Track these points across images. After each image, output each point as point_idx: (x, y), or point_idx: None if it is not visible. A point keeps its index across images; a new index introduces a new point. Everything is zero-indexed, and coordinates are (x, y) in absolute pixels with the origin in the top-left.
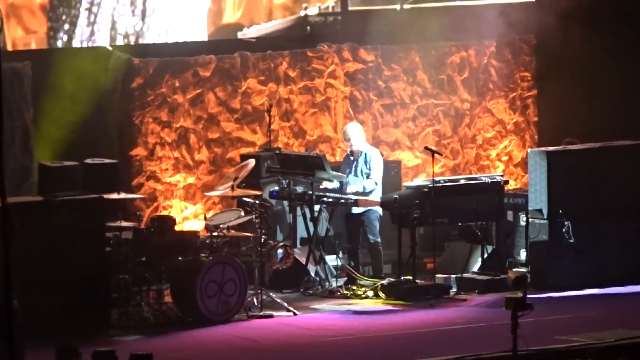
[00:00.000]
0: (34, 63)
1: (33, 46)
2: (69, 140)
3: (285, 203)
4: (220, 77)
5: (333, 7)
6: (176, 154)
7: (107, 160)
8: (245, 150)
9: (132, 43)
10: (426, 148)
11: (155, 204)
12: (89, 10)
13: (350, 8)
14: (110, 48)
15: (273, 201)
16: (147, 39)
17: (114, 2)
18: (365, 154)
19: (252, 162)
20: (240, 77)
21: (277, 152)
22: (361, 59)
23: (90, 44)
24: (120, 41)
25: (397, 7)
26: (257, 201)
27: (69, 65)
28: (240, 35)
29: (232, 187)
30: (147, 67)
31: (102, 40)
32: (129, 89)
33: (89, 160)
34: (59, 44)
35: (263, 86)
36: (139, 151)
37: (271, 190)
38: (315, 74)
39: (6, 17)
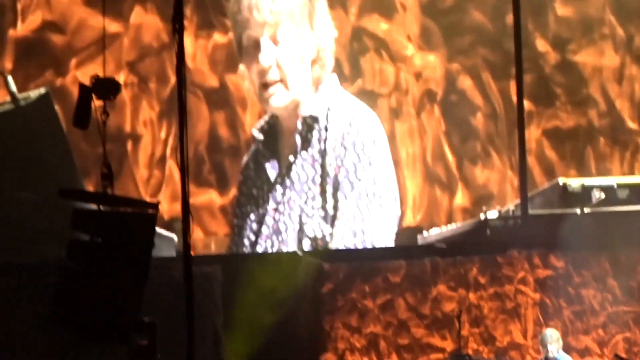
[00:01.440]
0: (223, 267)
1: (212, 248)
2: (258, 344)
3: None
4: (410, 283)
5: (513, 211)
6: None
7: None
8: (435, 357)
9: (319, 247)
10: (616, 356)
11: None
12: (276, 210)
13: (530, 212)
14: (300, 253)
15: None
16: (333, 243)
17: (302, 203)
18: None
19: None
20: (430, 283)
21: (467, 358)
22: (551, 265)
23: (276, 245)
24: (306, 244)
25: (577, 210)
26: None
27: (259, 270)
28: (420, 238)
29: None
30: (337, 273)
31: (288, 240)
32: (319, 294)
33: None
34: (246, 242)
35: (453, 292)
36: (329, 356)
37: None
38: (505, 280)
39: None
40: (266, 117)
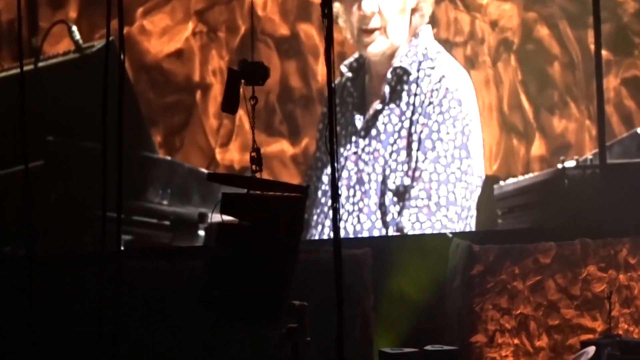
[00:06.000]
0: (373, 250)
1: None
2: (409, 327)
3: None
4: (560, 264)
5: (591, 160)
6: (516, 341)
7: (446, 347)
8: (585, 337)
9: (400, 202)
10: None
11: None
12: (358, 156)
13: (608, 161)
14: (450, 235)
15: None
16: (409, 204)
17: (387, 155)
18: None
19: (592, 350)
20: (580, 264)
21: (618, 339)
22: None
23: (358, 195)
24: (389, 197)
25: None
26: None
27: (409, 252)
28: (496, 187)
29: None
30: (487, 255)
31: (370, 192)
32: (469, 276)
33: (428, 347)
34: (325, 178)
35: (603, 273)
36: (479, 338)
37: None
38: None
39: None
40: (356, 55)
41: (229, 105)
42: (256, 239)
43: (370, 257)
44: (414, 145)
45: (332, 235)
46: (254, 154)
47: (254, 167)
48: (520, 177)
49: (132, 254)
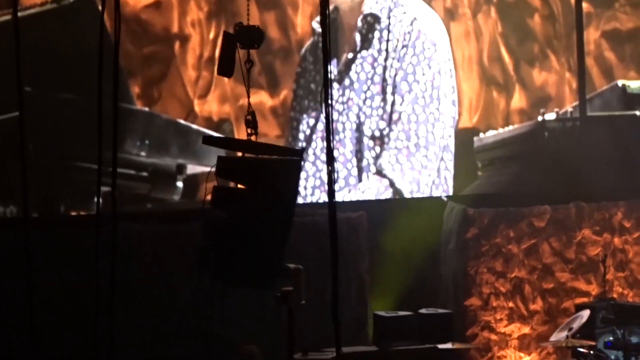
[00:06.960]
0: (368, 213)
1: None
2: (403, 290)
3: (620, 353)
4: (555, 228)
5: (571, 113)
6: (511, 304)
7: (441, 311)
8: (579, 301)
9: (378, 147)
10: None
11: (489, 355)
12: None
13: (588, 114)
14: (445, 199)
15: (608, 351)
16: (389, 145)
17: (361, 102)
18: None
19: (587, 313)
20: (575, 228)
21: (612, 302)
22: None
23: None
24: (365, 143)
25: (637, 112)
26: (591, 351)
27: (403, 216)
28: (476, 140)
29: (567, 338)
30: (481, 218)
31: (345, 141)
32: (464, 240)
33: (423, 310)
34: (301, 136)
35: (598, 236)
36: (474, 301)
37: (606, 340)
38: None
39: None
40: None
41: (225, 68)
42: (251, 202)
43: (365, 220)
44: (389, 89)
45: (318, 195)
46: (249, 117)
47: (249, 130)
48: (500, 130)
49: (128, 216)
